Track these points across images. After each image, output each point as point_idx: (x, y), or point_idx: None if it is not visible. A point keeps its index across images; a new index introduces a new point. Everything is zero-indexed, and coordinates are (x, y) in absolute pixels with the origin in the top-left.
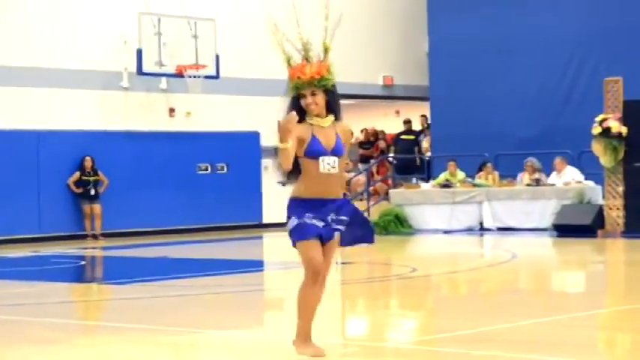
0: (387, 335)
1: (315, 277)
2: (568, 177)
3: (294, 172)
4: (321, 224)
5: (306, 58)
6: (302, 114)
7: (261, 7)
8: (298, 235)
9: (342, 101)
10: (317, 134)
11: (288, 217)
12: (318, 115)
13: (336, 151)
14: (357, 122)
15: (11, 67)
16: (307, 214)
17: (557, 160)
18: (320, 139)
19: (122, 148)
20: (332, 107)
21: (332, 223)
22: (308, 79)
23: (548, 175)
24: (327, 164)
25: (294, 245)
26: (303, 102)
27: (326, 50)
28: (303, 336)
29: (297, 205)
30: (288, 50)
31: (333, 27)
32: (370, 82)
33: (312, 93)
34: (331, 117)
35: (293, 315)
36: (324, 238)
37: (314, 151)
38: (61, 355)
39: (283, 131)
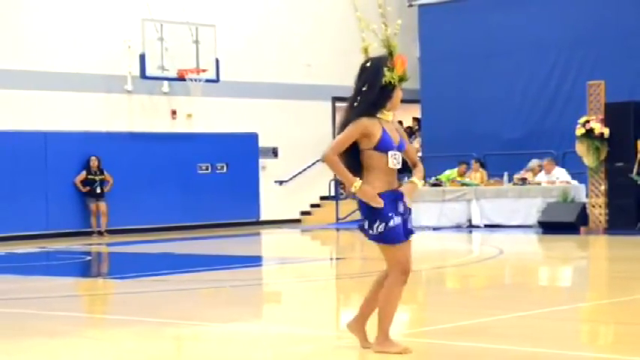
0: None
1: (406, 278)
2: (554, 177)
3: (352, 168)
4: (400, 219)
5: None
6: (379, 106)
7: (260, 14)
8: (392, 238)
9: (341, 104)
10: (386, 128)
11: (380, 216)
12: (389, 110)
13: (400, 147)
14: None
15: (20, 70)
16: (392, 211)
17: (546, 162)
18: (389, 133)
19: (126, 148)
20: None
21: (405, 213)
22: (406, 74)
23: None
24: (395, 159)
25: (385, 243)
26: (398, 94)
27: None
28: (386, 334)
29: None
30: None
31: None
32: None
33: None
34: (392, 113)
35: (290, 308)
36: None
37: (386, 145)
38: (70, 347)
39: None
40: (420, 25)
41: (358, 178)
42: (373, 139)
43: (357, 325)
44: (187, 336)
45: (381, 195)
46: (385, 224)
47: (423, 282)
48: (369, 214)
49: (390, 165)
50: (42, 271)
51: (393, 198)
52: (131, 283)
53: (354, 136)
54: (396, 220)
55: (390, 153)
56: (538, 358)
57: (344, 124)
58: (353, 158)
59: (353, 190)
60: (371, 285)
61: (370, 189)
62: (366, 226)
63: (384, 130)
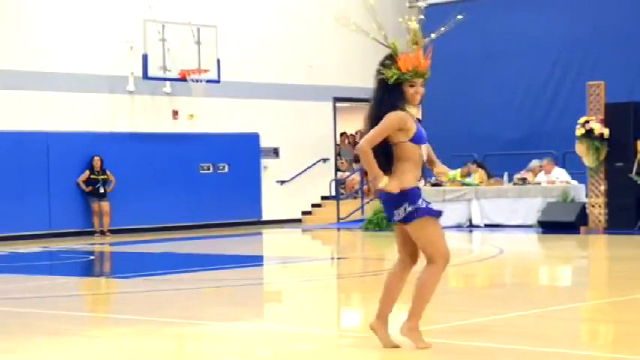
0: None
1: (446, 264)
2: (554, 177)
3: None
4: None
5: (419, 48)
6: (400, 101)
7: (261, 14)
8: (425, 211)
9: (341, 104)
10: (416, 123)
11: (410, 200)
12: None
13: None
14: (353, 124)
15: (22, 71)
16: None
17: (545, 162)
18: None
19: (128, 148)
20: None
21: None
22: (424, 70)
23: None
24: (426, 151)
25: (420, 216)
26: (408, 90)
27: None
28: (418, 320)
29: (418, 196)
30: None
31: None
32: (367, 86)
33: (421, 84)
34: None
35: (292, 307)
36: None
37: (420, 138)
38: (73, 345)
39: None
40: (421, 26)
41: (386, 177)
42: (409, 132)
43: (379, 325)
44: (189, 335)
45: (412, 191)
46: (415, 205)
47: None
48: (398, 198)
49: (424, 157)
50: (45, 270)
51: (421, 194)
52: (133, 283)
53: (389, 130)
54: (423, 204)
55: (423, 146)
56: (538, 357)
57: (371, 118)
58: (381, 153)
59: (381, 185)
60: (385, 284)
61: (397, 185)
62: (398, 211)
63: (417, 123)
